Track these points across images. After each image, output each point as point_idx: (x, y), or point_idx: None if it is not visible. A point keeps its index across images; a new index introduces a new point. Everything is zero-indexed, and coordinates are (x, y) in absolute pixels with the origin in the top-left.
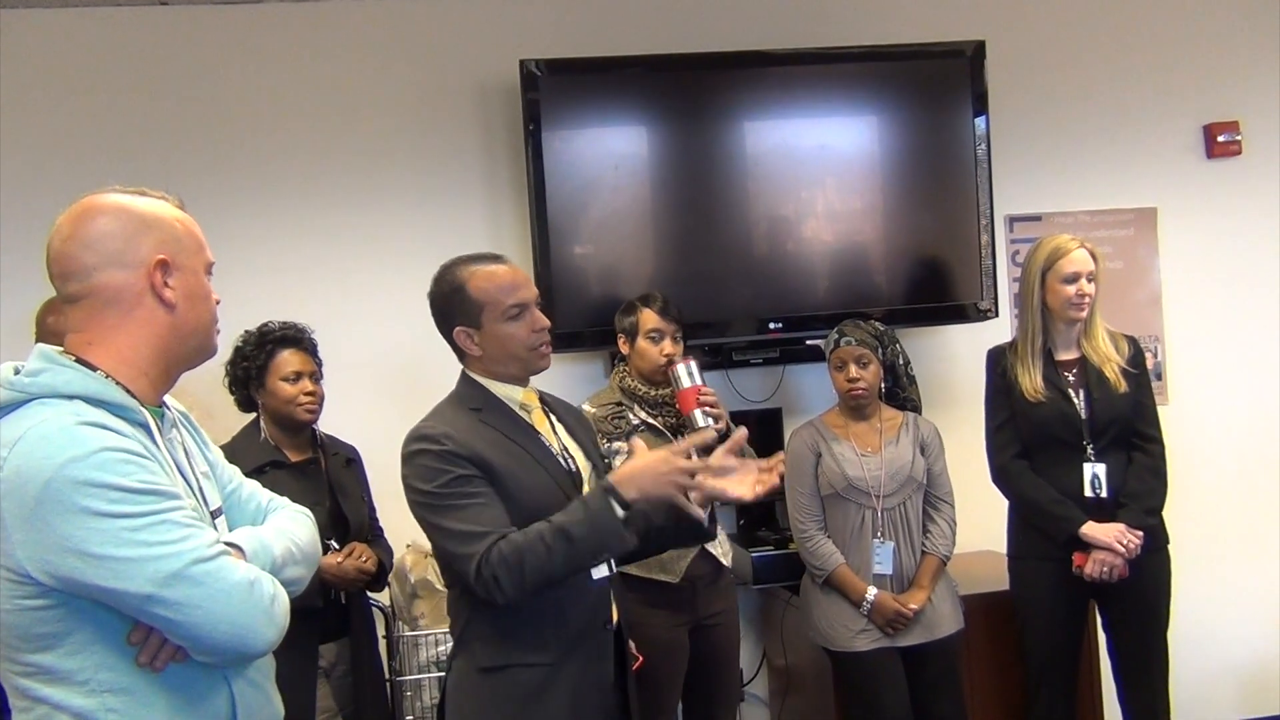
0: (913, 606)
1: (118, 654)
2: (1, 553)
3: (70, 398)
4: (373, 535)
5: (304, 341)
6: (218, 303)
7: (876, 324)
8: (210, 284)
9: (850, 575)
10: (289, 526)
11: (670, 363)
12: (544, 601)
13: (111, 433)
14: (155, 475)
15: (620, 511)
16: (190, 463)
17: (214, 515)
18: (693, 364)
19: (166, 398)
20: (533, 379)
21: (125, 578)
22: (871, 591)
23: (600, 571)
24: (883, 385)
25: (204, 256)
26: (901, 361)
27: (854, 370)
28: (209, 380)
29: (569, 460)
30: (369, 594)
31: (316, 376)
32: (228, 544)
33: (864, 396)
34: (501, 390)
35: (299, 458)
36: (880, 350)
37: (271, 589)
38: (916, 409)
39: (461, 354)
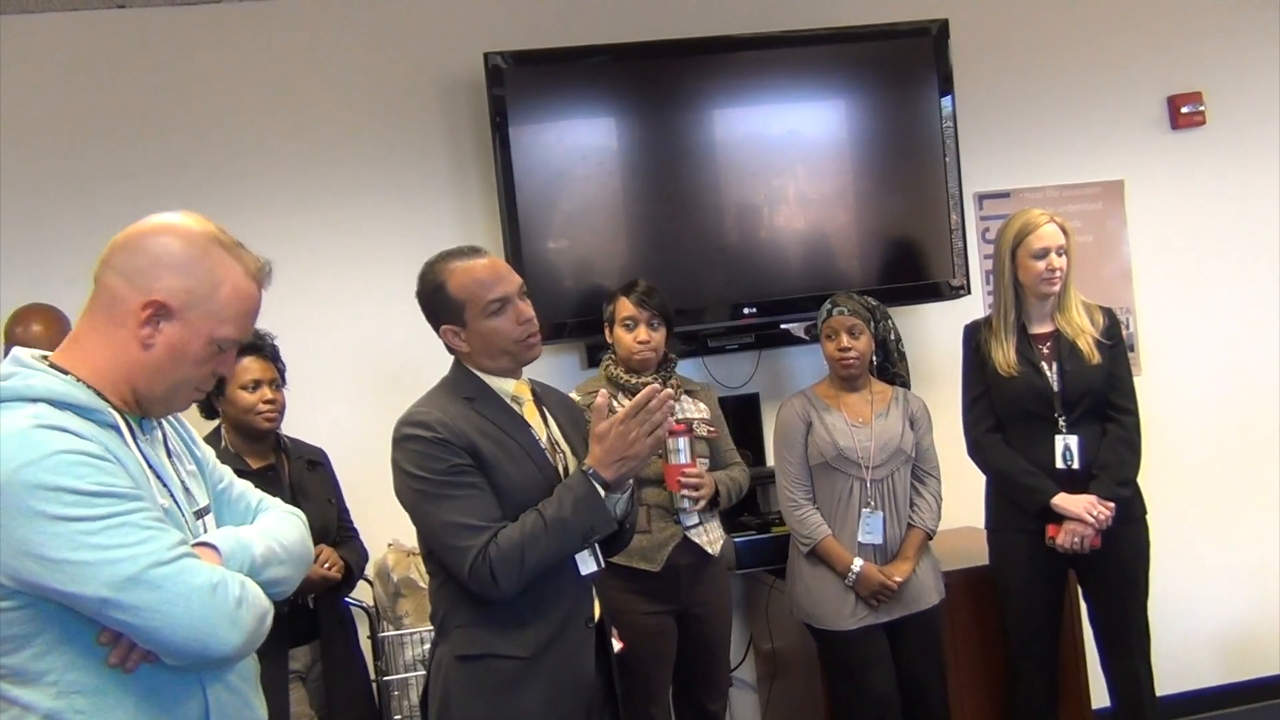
0: (897, 579)
1: (86, 655)
2: None
3: (34, 400)
4: (343, 537)
5: (264, 348)
6: (217, 382)
7: (869, 299)
8: (214, 356)
9: (837, 547)
10: (275, 527)
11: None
12: (524, 595)
13: (69, 435)
14: (114, 478)
15: (603, 492)
16: (174, 462)
17: (200, 514)
18: (687, 439)
19: None
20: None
21: (81, 582)
22: (857, 563)
23: (589, 566)
24: (874, 359)
25: (221, 330)
26: (893, 338)
27: (845, 340)
28: None
29: (559, 454)
30: (350, 594)
31: (277, 384)
32: (203, 543)
33: (854, 367)
34: (494, 382)
35: (260, 464)
36: (872, 323)
37: (238, 592)
38: (906, 385)
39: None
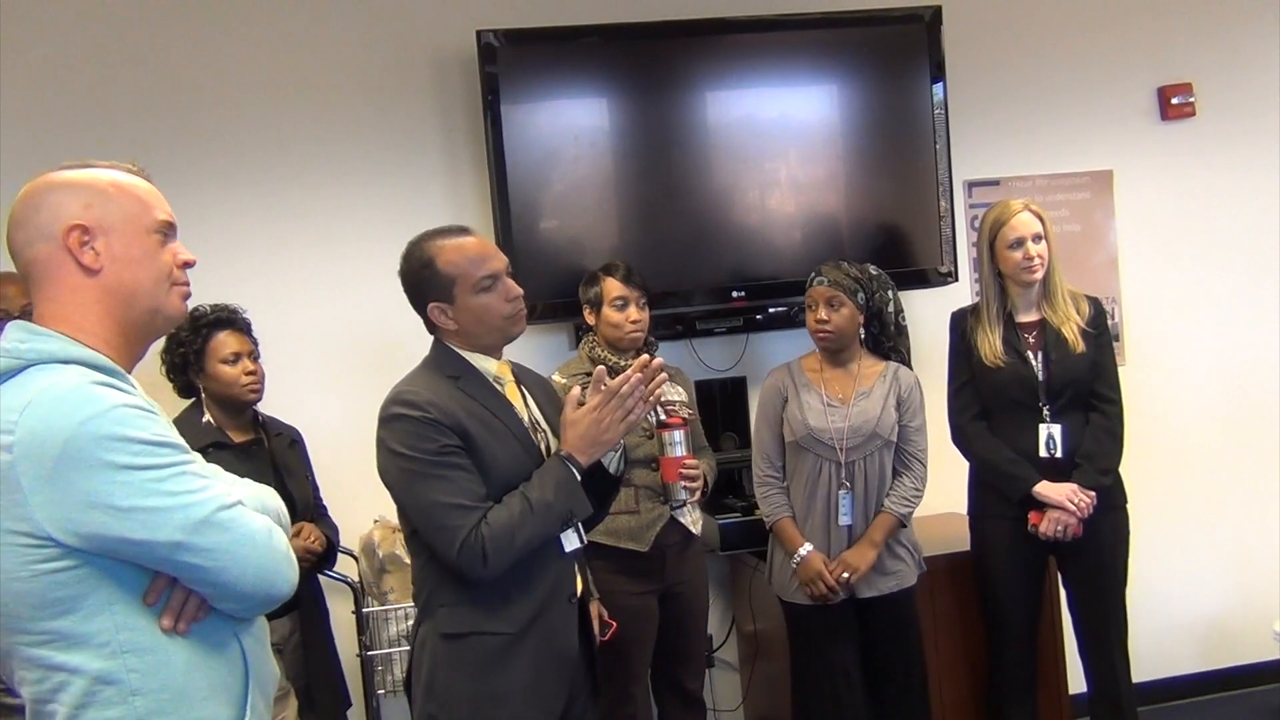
0: (844, 576)
1: (137, 614)
2: (16, 518)
3: (68, 363)
4: (317, 514)
5: (238, 322)
6: (187, 265)
7: (869, 268)
8: (161, 245)
9: (791, 529)
10: (269, 495)
11: (662, 425)
12: (509, 573)
13: (121, 392)
14: (169, 431)
15: (579, 476)
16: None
17: None
18: (684, 432)
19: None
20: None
21: (154, 528)
22: (805, 548)
23: (572, 543)
24: (862, 332)
25: (148, 218)
26: (891, 309)
27: (823, 312)
28: (151, 370)
29: (540, 433)
30: (334, 569)
31: (255, 355)
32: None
33: (829, 340)
34: (477, 361)
35: (242, 439)
36: (860, 294)
37: (284, 536)
38: (904, 361)
39: (433, 326)
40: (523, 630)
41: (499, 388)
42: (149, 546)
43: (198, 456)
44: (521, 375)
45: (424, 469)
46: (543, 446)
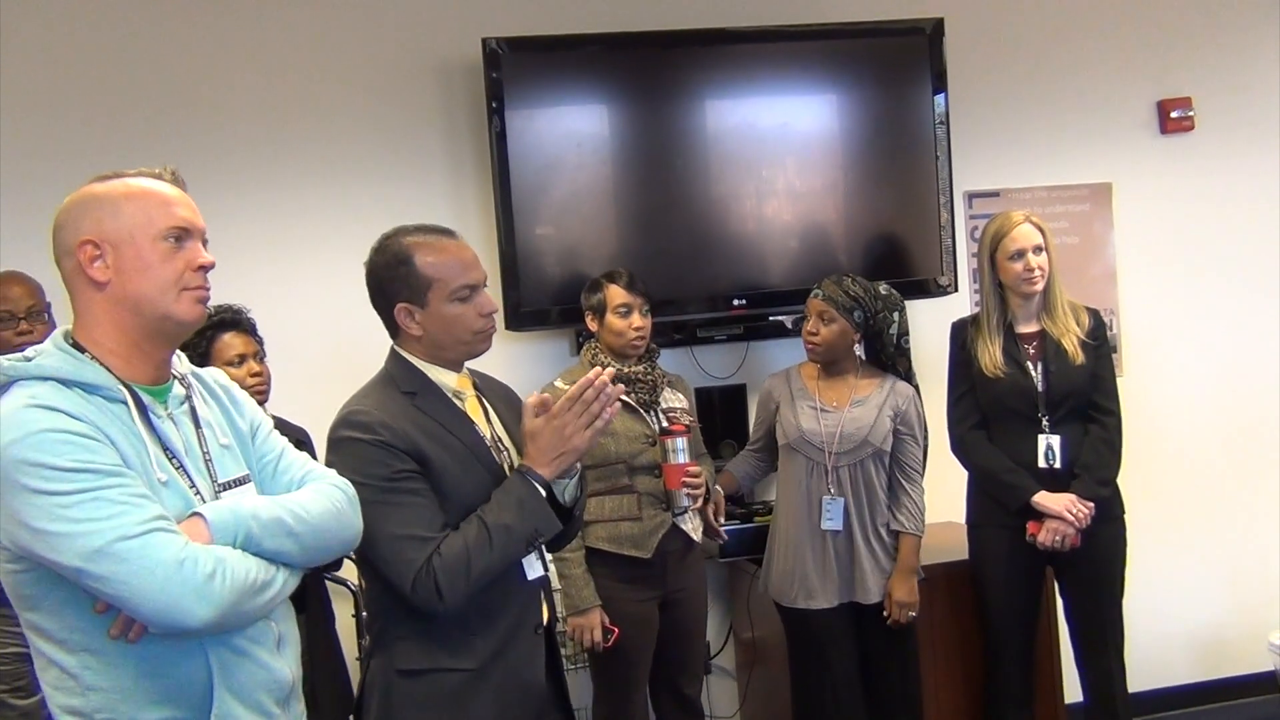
0: (911, 615)
1: (86, 619)
2: None
3: (44, 379)
4: None
5: (243, 323)
6: (204, 269)
7: (879, 286)
8: (174, 250)
9: (730, 477)
10: (304, 498)
11: (665, 432)
12: (470, 604)
13: (59, 414)
14: (95, 455)
15: (543, 491)
16: (203, 435)
17: (231, 485)
18: (686, 439)
19: (199, 371)
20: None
21: (58, 551)
22: (717, 491)
23: (535, 571)
24: (859, 349)
25: (157, 225)
26: (894, 331)
27: (813, 324)
28: None
29: (503, 452)
30: (334, 572)
31: (260, 356)
32: (196, 514)
33: (815, 352)
34: (435, 374)
35: None
36: (857, 313)
37: (209, 567)
38: (904, 379)
39: (394, 330)
40: (485, 665)
41: (459, 403)
42: (59, 567)
43: (127, 480)
44: (484, 387)
45: (374, 496)
46: (506, 465)
